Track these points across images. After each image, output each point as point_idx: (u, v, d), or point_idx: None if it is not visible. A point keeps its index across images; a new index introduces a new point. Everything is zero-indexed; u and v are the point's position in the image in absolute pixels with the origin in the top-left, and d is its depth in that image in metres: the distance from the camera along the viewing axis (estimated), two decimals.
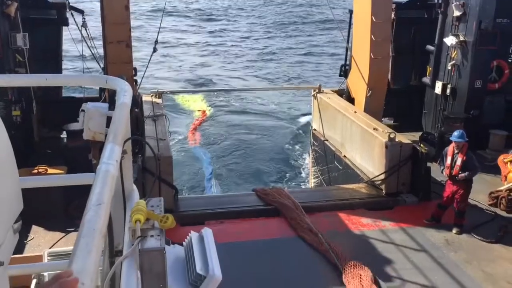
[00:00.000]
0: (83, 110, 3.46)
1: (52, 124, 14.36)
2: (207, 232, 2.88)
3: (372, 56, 14.76)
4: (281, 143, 24.38)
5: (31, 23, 13.98)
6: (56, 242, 9.85)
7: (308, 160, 19.65)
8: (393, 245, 10.37)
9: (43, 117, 14.47)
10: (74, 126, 12.47)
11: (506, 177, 12.58)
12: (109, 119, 3.22)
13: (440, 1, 15.71)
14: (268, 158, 22.43)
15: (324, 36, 51.69)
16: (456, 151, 10.53)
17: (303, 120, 26.42)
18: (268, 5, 70.44)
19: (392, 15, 16.33)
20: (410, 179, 12.36)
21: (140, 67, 16.23)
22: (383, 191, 12.48)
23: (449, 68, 15.29)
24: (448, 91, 15.36)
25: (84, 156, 10.13)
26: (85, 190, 1.98)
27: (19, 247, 9.48)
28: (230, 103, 30.44)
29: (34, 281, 5.19)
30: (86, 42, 13.71)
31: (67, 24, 14.87)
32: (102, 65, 13.82)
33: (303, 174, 20.49)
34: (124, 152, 2.90)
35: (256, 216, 11.52)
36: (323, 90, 16.73)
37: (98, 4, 13.17)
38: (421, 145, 13.94)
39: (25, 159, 12.10)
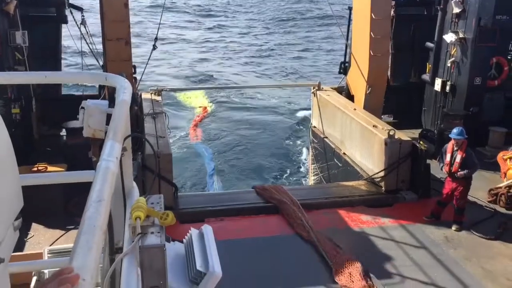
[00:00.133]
0: (82, 108, 3.45)
1: (52, 121, 14.35)
2: (207, 229, 2.88)
3: (372, 53, 14.75)
4: (281, 138, 24.57)
5: (30, 21, 13.95)
6: (56, 240, 9.87)
7: (307, 157, 19.69)
8: (392, 242, 10.39)
9: (43, 115, 14.46)
10: (73, 124, 12.46)
11: (505, 174, 12.60)
12: (109, 117, 3.22)
13: None
14: (269, 153, 22.57)
15: (323, 32, 51.75)
16: (455, 148, 10.54)
17: (303, 114, 26.59)
18: (267, 1, 70.39)
19: (392, 12, 16.34)
20: (409, 176, 12.37)
21: (140, 64, 16.23)
22: (383, 188, 12.49)
23: (449, 65, 15.28)
24: (447, 88, 15.35)
25: (84, 153, 10.10)
26: (85, 187, 1.99)
27: (19, 245, 9.49)
28: (231, 98, 30.53)
29: (34, 279, 5.20)
30: (85, 40, 13.70)
31: (66, 22, 14.85)
32: (101, 63, 13.81)
33: (302, 169, 20.57)
34: (124, 149, 2.90)
35: (256, 213, 11.54)
36: (322, 88, 16.73)
37: (98, 1, 13.14)
38: (421, 142, 13.96)
39: (25, 157, 12.10)
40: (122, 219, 2.94)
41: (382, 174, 12.44)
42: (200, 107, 28.23)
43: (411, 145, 12.36)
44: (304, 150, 21.89)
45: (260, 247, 10.19)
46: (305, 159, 20.59)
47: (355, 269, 8.98)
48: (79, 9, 14.27)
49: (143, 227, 2.48)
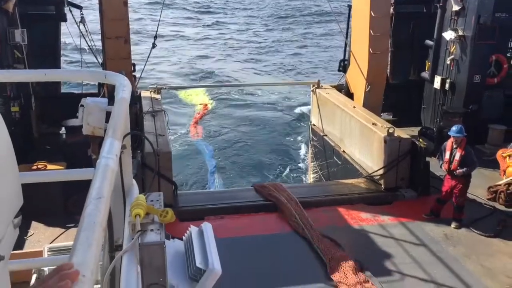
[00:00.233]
0: (82, 105, 3.45)
1: (51, 120, 14.34)
2: (207, 227, 2.88)
3: (371, 51, 14.74)
4: (281, 134, 24.74)
5: (29, 19, 13.94)
6: (56, 238, 9.88)
7: (306, 154, 19.73)
8: (392, 239, 10.40)
9: (42, 113, 14.45)
10: (73, 122, 12.45)
11: (504, 171, 12.61)
12: (108, 114, 3.22)
13: None
14: (269, 150, 22.71)
15: (321, 29, 51.82)
16: (454, 146, 10.55)
17: (303, 110, 26.68)
18: None
19: (391, 10, 16.32)
20: (409, 174, 12.38)
21: (140, 62, 16.22)
22: (382, 186, 12.50)
23: (448, 62, 15.28)
24: (447, 85, 15.36)
25: (83, 152, 10.11)
26: (84, 186, 1.99)
27: (19, 243, 9.49)
28: (231, 95, 30.67)
29: (34, 276, 5.21)
30: (84, 38, 13.69)
31: (65, 20, 14.84)
32: (101, 61, 13.80)
33: (302, 165, 20.63)
34: (123, 147, 2.89)
35: (256, 211, 11.55)
36: (322, 86, 16.73)
37: None
38: (420, 140, 13.95)
39: (24, 156, 12.10)
40: (121, 216, 2.94)
41: (381, 172, 12.44)
42: (200, 104, 28.29)
43: (411, 143, 12.37)
44: (304, 146, 21.96)
45: (259, 245, 10.21)
46: (305, 154, 20.65)
47: (349, 265, 9.09)
48: (78, 7, 14.26)
49: (143, 225, 2.48)
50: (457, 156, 10.47)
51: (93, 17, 17.92)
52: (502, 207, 11.77)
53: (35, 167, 11.31)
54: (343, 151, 14.53)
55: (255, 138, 24.01)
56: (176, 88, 26.52)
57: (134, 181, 3.35)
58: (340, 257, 9.38)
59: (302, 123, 25.22)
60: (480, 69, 14.92)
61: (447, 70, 15.44)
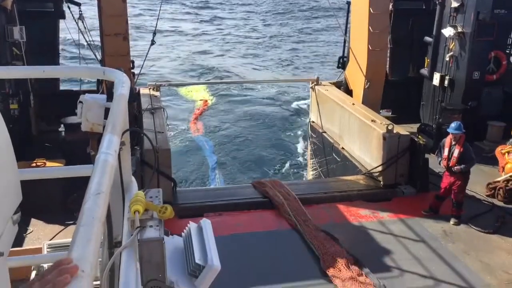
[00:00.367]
0: (81, 102, 3.45)
1: (50, 117, 14.33)
2: (206, 223, 2.88)
3: (370, 48, 14.74)
4: (281, 129, 24.87)
5: (28, 16, 13.90)
6: (56, 235, 9.89)
7: (305, 149, 19.77)
8: (391, 236, 10.42)
9: (41, 111, 14.43)
10: (72, 119, 12.44)
11: (503, 168, 12.63)
12: (107, 111, 3.22)
13: None
14: (269, 144, 22.84)
15: (319, 24, 51.87)
16: (453, 143, 10.56)
17: (302, 105, 26.74)
18: None
19: (390, 7, 16.30)
20: (408, 171, 12.40)
21: (139, 58, 16.20)
22: (381, 182, 12.51)
23: (447, 59, 15.26)
24: (446, 82, 15.35)
25: (82, 149, 10.15)
26: (84, 183, 1.99)
27: (19, 240, 9.50)
28: (231, 90, 30.78)
29: (33, 273, 5.22)
30: (83, 35, 13.65)
31: (64, 17, 14.80)
32: (99, 58, 13.77)
33: (301, 160, 20.68)
34: (122, 143, 2.89)
35: (254, 208, 11.56)
36: (321, 82, 16.72)
37: None
38: (419, 136, 13.98)
39: (23, 153, 12.09)
40: (121, 213, 2.94)
41: (380, 168, 12.45)
42: (200, 100, 28.33)
43: (410, 139, 12.37)
44: (303, 141, 22.03)
45: (258, 242, 10.24)
46: (304, 149, 20.69)
47: (343, 259, 9.17)
48: (77, 4, 14.21)
49: (142, 221, 2.48)
50: (456, 153, 10.48)
51: (93, 13, 17.90)
52: (501, 204, 11.79)
53: (34, 165, 11.32)
54: (342, 148, 14.53)
55: (255, 133, 24.13)
56: (175, 86, 26.52)
57: (133, 178, 3.35)
58: (334, 251, 9.45)
59: (302, 118, 25.30)
60: (479, 66, 14.91)
61: (446, 67, 15.42)
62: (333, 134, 15.28)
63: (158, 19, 14.86)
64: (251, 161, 21.24)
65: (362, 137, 13.35)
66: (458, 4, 14.67)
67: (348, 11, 16.57)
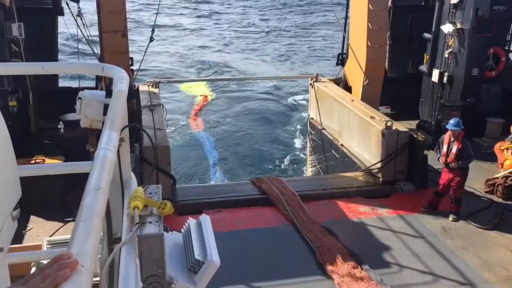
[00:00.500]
0: (80, 98, 3.44)
1: (49, 114, 14.31)
2: (205, 219, 2.88)
3: (369, 44, 14.73)
4: (281, 124, 24.95)
5: (26, 13, 13.87)
6: (55, 232, 9.89)
7: (304, 145, 19.80)
8: (390, 232, 10.44)
9: (40, 108, 14.42)
10: (71, 116, 12.44)
11: (502, 164, 12.64)
12: (106, 108, 3.22)
13: None
14: (269, 140, 22.91)
15: (317, 19, 51.85)
16: (452, 139, 10.56)
17: (302, 101, 26.80)
18: None
19: (389, 3, 16.29)
20: (407, 167, 12.41)
21: (137, 55, 16.17)
22: (380, 179, 12.52)
23: (446, 56, 15.27)
24: (445, 79, 15.35)
25: (81, 146, 10.13)
26: (83, 180, 1.99)
27: (18, 237, 9.51)
28: (230, 86, 30.84)
29: (33, 269, 5.22)
30: (82, 32, 13.63)
31: (62, 14, 14.77)
32: (98, 55, 13.75)
33: (301, 155, 20.71)
34: (121, 140, 2.89)
35: (254, 205, 11.58)
36: (320, 79, 16.72)
37: None
38: (418, 133, 13.99)
39: (22, 150, 12.08)
40: (120, 209, 2.94)
41: (379, 165, 12.46)
42: (200, 95, 28.34)
43: (409, 136, 12.38)
44: (303, 137, 22.07)
45: (257, 238, 10.26)
46: (304, 145, 20.73)
47: (339, 251, 9.24)
48: (76, 0, 14.19)
49: (141, 217, 2.48)
50: (454, 149, 10.49)
51: (93, 9, 17.87)
52: (500, 200, 11.81)
53: (33, 162, 11.30)
54: (341, 145, 14.54)
55: (255, 128, 24.20)
56: (174, 82, 26.53)
57: (132, 174, 3.35)
58: (330, 244, 9.50)
59: (302, 114, 25.34)
60: (478, 62, 14.91)
61: (445, 64, 15.42)
62: (332, 131, 15.29)
63: (157, 14, 14.83)
64: (251, 156, 21.33)
65: (361, 133, 13.35)
66: (457, 0, 14.66)
67: (347, 8, 16.55)
